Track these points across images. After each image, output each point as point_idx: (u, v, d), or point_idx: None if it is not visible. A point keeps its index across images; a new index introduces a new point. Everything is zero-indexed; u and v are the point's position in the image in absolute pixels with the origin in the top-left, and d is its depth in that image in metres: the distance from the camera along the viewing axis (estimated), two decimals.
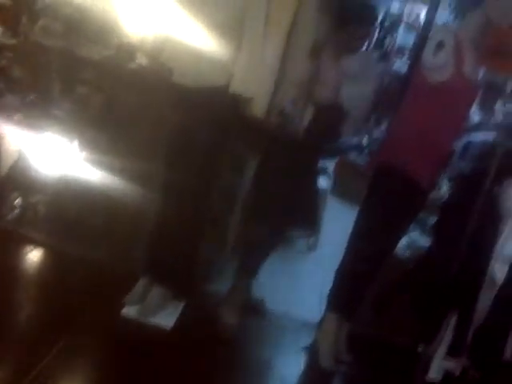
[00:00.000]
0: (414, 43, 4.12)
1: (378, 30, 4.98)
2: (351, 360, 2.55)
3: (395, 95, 3.07)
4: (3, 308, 2.35)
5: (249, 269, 2.68)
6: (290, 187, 2.54)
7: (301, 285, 3.20)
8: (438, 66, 2.38)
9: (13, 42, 3.32)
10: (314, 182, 3.00)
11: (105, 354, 2.27)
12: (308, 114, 2.53)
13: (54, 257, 2.89)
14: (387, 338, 2.74)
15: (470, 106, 2.62)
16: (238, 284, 2.67)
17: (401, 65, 4.38)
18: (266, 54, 2.45)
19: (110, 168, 2.88)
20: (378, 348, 2.75)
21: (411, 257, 2.79)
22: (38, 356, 2.08)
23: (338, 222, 3.39)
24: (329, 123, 2.57)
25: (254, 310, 2.79)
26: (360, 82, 2.66)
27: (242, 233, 3.00)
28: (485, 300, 2.27)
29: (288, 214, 2.62)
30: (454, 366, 2.31)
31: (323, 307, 2.66)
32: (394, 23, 4.77)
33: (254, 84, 2.41)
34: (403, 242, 2.82)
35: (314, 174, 2.97)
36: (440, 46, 2.39)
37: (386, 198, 2.44)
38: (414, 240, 2.86)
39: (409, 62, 3.78)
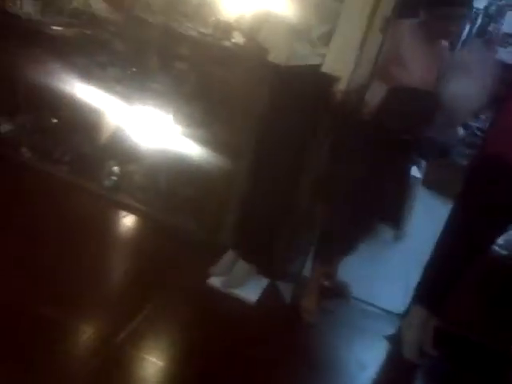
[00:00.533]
0: None
1: (481, 16, 4.75)
2: (437, 355, 2.47)
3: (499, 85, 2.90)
4: (98, 268, 2.50)
5: (328, 257, 2.67)
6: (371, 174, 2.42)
7: (386, 274, 3.14)
8: None
9: (116, 16, 3.44)
10: (401, 172, 2.74)
11: (190, 320, 2.34)
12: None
13: (146, 223, 3.01)
14: (479, 337, 2.62)
15: None
16: (319, 270, 2.65)
17: (506, 55, 4.13)
18: (355, 35, 2.41)
19: (203, 141, 2.93)
20: (468, 347, 2.64)
21: (510, 256, 2.63)
22: (129, 316, 2.19)
23: (426, 213, 3.30)
24: (406, 108, 2.39)
25: (337, 295, 2.78)
26: (459, 73, 2.52)
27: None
28: None
29: (371, 206, 2.52)
30: None
31: (408, 298, 2.60)
32: (501, 9, 4.50)
33: (344, 65, 2.39)
34: (501, 239, 2.67)
35: (401, 163, 2.71)
36: None
37: (488, 193, 2.31)
38: None
39: None
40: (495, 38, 4.84)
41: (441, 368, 2.49)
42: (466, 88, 2.32)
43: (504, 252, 2.65)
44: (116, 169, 3.23)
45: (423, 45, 2.42)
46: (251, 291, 2.59)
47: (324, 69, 2.39)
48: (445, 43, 2.53)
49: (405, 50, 2.40)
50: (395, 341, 2.52)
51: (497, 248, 2.64)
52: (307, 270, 2.73)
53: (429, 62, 2.42)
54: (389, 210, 2.74)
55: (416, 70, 2.39)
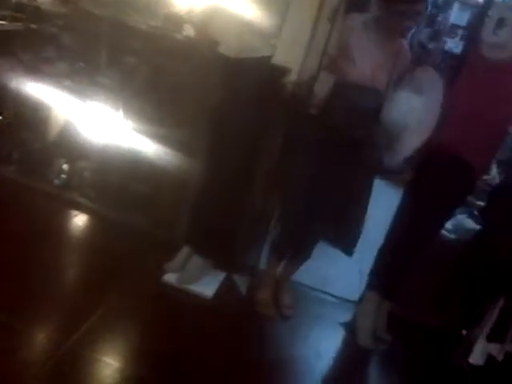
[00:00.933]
0: (469, 22, 3.96)
1: (429, 7, 4.85)
2: (391, 339, 2.53)
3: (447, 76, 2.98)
4: (49, 269, 2.42)
5: (282, 250, 2.65)
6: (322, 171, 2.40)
7: (340, 262, 3.17)
8: (499, 44, 2.29)
9: (63, 10, 3.35)
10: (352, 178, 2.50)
11: (146, 319, 2.31)
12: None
13: (98, 221, 2.95)
14: (430, 320, 2.70)
15: None
16: (274, 263, 2.66)
17: (453, 45, 4.23)
18: (304, 25, 2.43)
19: (154, 136, 2.89)
20: (420, 330, 2.71)
21: (458, 240, 2.72)
22: (81, 317, 2.14)
23: (378, 201, 3.33)
24: (350, 105, 2.31)
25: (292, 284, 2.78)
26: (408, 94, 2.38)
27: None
28: None
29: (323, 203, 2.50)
30: (496, 350, 2.26)
31: (362, 285, 2.64)
32: (448, 0, 4.61)
33: (294, 56, 2.40)
34: (450, 224, 2.75)
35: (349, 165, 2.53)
36: (501, 23, 2.30)
37: (436, 180, 2.37)
38: (461, 223, 2.79)
39: (462, 41, 3.64)
40: (443, 28, 4.96)
41: (395, 352, 2.55)
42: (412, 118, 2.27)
43: (452, 236, 2.74)
44: (66, 166, 3.15)
45: (376, 41, 2.34)
46: (207, 286, 2.58)
47: (274, 60, 2.39)
48: (401, 41, 2.42)
49: (354, 45, 2.33)
50: (350, 328, 2.56)
51: (446, 233, 2.72)
52: (264, 263, 2.74)
53: (380, 59, 2.34)
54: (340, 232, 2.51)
55: (365, 67, 2.32)
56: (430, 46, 4.71)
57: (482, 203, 2.84)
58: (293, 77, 2.52)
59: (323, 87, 2.37)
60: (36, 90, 3.10)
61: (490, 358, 2.30)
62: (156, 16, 3.28)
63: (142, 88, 3.16)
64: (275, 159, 2.70)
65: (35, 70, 3.19)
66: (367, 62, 2.33)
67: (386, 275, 2.51)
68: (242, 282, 2.72)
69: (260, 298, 2.58)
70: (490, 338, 2.28)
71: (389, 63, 2.36)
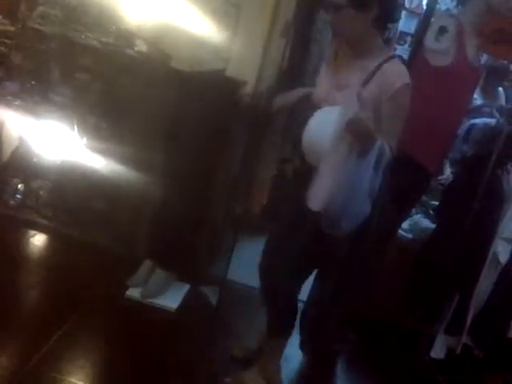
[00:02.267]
0: (416, 29, 4.11)
1: None
2: (355, 338, 2.57)
3: None
4: (8, 291, 2.37)
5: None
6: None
7: None
8: (441, 50, 2.39)
9: (11, 28, 3.30)
10: None
11: (110, 335, 2.28)
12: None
13: (57, 241, 2.90)
14: (391, 317, 2.76)
15: (472, 89, 2.63)
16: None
17: (403, 52, 4.39)
18: (257, 38, 2.48)
19: (110, 154, 2.87)
20: (382, 327, 2.77)
21: (414, 239, 2.80)
22: (43, 338, 2.10)
23: None
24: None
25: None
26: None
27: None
28: (488, 280, 2.29)
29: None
30: (454, 343, 2.34)
31: None
32: None
33: (248, 68, 2.44)
34: (406, 224, 2.83)
35: None
36: (442, 30, 2.41)
37: (391, 182, 2.44)
38: (417, 223, 2.87)
39: (410, 48, 3.78)
40: (393, 36, 5.13)
41: (360, 351, 2.60)
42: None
43: (409, 236, 2.82)
44: (21, 186, 3.09)
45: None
46: (171, 299, 2.57)
47: (228, 73, 2.42)
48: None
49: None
50: None
51: (403, 232, 2.80)
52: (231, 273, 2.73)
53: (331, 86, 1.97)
54: None
55: (320, 89, 2.02)
56: None
57: (436, 203, 2.95)
58: (249, 89, 2.56)
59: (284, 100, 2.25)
60: None
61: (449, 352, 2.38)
62: (107, 32, 3.27)
63: (96, 105, 3.14)
64: (236, 170, 2.73)
65: None
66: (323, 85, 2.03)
67: None
68: (210, 293, 2.72)
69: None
70: (448, 332, 2.35)
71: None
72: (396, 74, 1.82)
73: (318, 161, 1.82)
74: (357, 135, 1.70)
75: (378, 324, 2.75)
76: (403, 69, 1.87)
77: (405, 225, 2.81)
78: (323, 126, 1.82)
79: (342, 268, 2.16)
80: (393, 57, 1.90)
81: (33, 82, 3.23)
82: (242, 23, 2.46)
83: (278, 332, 2.18)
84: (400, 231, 2.76)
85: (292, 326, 2.19)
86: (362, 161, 1.73)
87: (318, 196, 1.80)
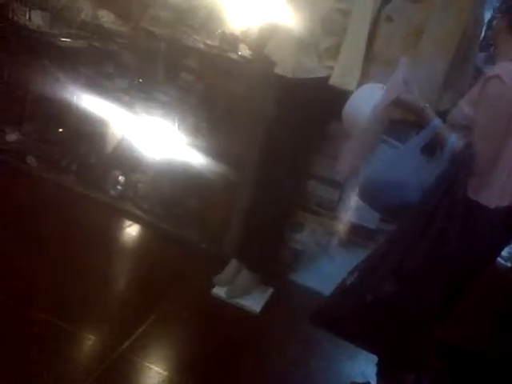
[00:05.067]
0: None
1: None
2: (439, 366, 2.44)
3: None
4: (103, 276, 2.51)
5: None
6: None
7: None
8: None
9: (124, 28, 3.48)
10: None
11: (194, 329, 2.34)
12: None
13: (150, 232, 3.02)
14: (486, 348, 2.61)
15: None
16: None
17: None
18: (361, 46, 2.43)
19: (208, 152, 2.95)
20: (475, 358, 2.62)
21: None
22: (133, 326, 2.20)
23: None
24: None
25: None
26: None
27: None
28: None
29: None
30: None
31: None
32: None
33: (352, 77, 2.40)
34: (505, 252, 2.67)
35: None
36: None
37: None
38: None
39: None
40: None
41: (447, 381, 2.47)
42: None
43: (508, 264, 2.65)
44: (121, 178, 3.26)
45: None
46: (255, 301, 2.59)
47: (331, 82, 2.40)
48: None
49: None
50: None
51: (501, 261, 2.64)
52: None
53: None
54: None
55: None
56: (486, 69, 4.66)
57: None
58: None
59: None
60: (96, 104, 3.22)
61: None
62: (213, 35, 3.37)
63: (197, 104, 3.24)
64: None
65: (96, 85, 3.32)
66: None
67: None
68: (291, 299, 2.72)
69: None
70: None
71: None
72: (492, 69, 1.72)
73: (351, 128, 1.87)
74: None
75: (469, 353, 2.60)
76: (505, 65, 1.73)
77: (504, 252, 2.65)
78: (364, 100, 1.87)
79: None
80: None
81: (140, 80, 3.40)
82: (350, 31, 2.43)
83: None
84: (498, 259, 2.60)
85: None
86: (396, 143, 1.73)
87: (345, 162, 1.86)
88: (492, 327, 2.49)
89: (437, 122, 1.71)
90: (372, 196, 1.82)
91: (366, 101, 1.87)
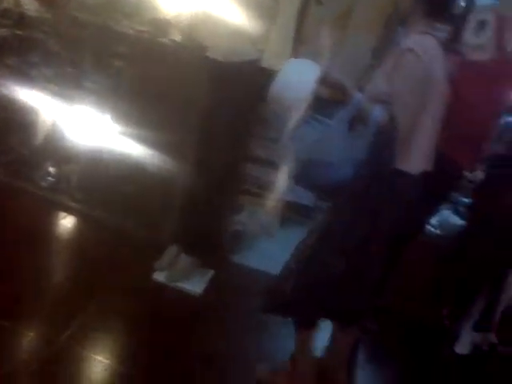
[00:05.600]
0: (452, 23, 4.05)
1: None
2: (377, 329, 2.53)
3: None
4: (39, 270, 2.44)
5: None
6: None
7: None
8: (480, 45, 2.35)
9: (48, 15, 3.36)
10: None
11: (136, 316, 2.31)
12: None
13: (86, 223, 2.96)
14: (416, 311, 2.73)
15: (510, 85, 2.57)
16: None
17: None
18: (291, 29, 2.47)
19: (141, 139, 2.90)
20: (407, 321, 2.74)
21: (442, 235, 2.76)
22: (71, 316, 2.16)
23: None
24: None
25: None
26: None
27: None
28: None
29: None
30: (481, 340, 2.30)
31: None
32: None
33: (284, 59, 2.43)
34: (435, 220, 2.79)
35: None
36: (482, 25, 2.36)
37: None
38: (445, 219, 2.83)
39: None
40: None
41: (383, 344, 2.57)
42: None
43: (438, 231, 2.78)
44: (53, 169, 3.16)
45: None
46: (196, 283, 2.59)
47: (263, 64, 2.42)
48: None
49: None
50: None
51: (431, 228, 2.76)
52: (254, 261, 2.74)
53: None
54: None
55: None
56: None
57: (465, 200, 2.90)
58: None
59: None
60: (23, 94, 3.10)
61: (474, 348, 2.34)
62: (143, 21, 3.31)
63: (129, 92, 3.18)
64: None
65: (22, 75, 3.19)
66: None
67: None
68: (232, 279, 2.74)
69: None
70: (476, 328, 2.32)
71: None
72: (405, 43, 1.80)
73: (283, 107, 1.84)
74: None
75: (400, 317, 2.72)
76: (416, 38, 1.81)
77: (433, 220, 2.78)
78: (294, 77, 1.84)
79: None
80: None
81: (68, 69, 3.30)
82: (280, 15, 2.45)
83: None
84: (428, 226, 2.72)
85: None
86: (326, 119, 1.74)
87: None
88: (423, 293, 2.61)
89: (359, 97, 1.74)
90: (303, 177, 1.81)
91: (296, 77, 1.86)
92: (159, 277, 2.57)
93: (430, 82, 1.77)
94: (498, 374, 2.36)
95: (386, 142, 1.71)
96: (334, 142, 1.72)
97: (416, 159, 1.83)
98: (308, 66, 1.85)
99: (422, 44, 1.75)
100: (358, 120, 1.73)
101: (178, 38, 3.24)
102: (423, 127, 1.80)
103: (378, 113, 1.70)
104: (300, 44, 2.58)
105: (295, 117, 1.84)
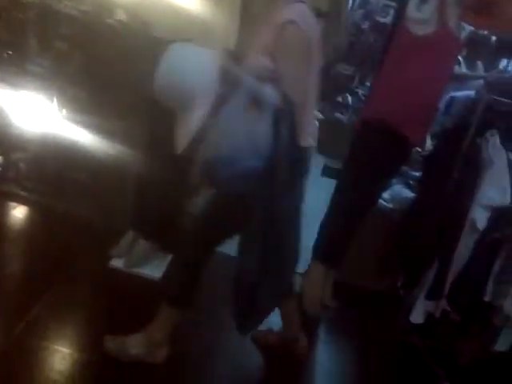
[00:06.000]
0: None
1: None
2: (337, 306, 2.62)
3: (378, 53, 3.08)
4: None
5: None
6: None
7: None
8: (423, 19, 2.37)
9: None
10: None
11: (94, 305, 2.29)
12: None
13: (38, 213, 2.88)
14: (372, 285, 2.82)
15: (454, 60, 2.64)
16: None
17: (385, 22, 4.40)
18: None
19: (90, 125, 2.83)
20: (363, 294, 2.83)
21: (394, 208, 2.84)
22: (26, 307, 2.11)
23: (317, 177, 3.44)
24: None
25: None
26: None
27: None
28: (466, 245, 2.33)
29: None
30: (433, 307, 2.40)
31: (307, 259, 2.71)
32: None
33: (230, 39, 2.42)
34: (387, 194, 2.87)
35: None
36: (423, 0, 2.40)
37: (372, 153, 2.46)
38: (398, 193, 2.91)
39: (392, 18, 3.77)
40: (375, 8, 5.11)
41: (341, 317, 2.65)
42: None
43: (390, 205, 2.86)
44: (0, 158, 3.05)
45: None
46: (155, 268, 2.57)
47: (210, 41, 2.40)
48: None
49: None
50: (299, 298, 2.62)
51: (383, 202, 2.84)
52: None
53: None
54: None
55: None
56: (364, 25, 4.88)
57: (416, 173, 2.99)
58: None
59: None
60: None
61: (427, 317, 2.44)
62: (87, 1, 3.20)
63: (75, 75, 3.08)
64: None
65: None
66: None
67: (330, 246, 2.60)
68: None
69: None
70: (428, 297, 2.41)
71: None
72: (281, 14, 1.72)
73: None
74: None
75: (357, 290, 2.80)
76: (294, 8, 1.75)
77: (385, 195, 2.85)
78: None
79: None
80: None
81: (10, 52, 3.16)
82: None
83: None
84: (381, 200, 2.79)
85: None
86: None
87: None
88: (378, 264, 2.69)
89: (247, 80, 1.66)
90: (213, 172, 1.67)
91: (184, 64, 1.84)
92: (117, 263, 2.54)
93: (311, 52, 1.74)
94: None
95: (285, 121, 1.63)
96: (234, 134, 1.63)
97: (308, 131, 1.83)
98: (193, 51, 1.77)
99: (301, 14, 1.70)
100: (252, 104, 1.63)
101: (123, 17, 3.17)
102: (311, 98, 1.80)
103: (270, 93, 1.62)
104: (247, 24, 2.54)
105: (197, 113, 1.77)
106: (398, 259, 2.63)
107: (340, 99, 5.01)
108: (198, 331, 2.31)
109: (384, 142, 2.45)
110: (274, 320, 2.24)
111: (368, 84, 4.81)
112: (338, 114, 4.85)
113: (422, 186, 2.76)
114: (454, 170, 2.44)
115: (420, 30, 2.38)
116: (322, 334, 2.57)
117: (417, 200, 2.74)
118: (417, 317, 2.44)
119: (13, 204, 2.87)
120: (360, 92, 4.93)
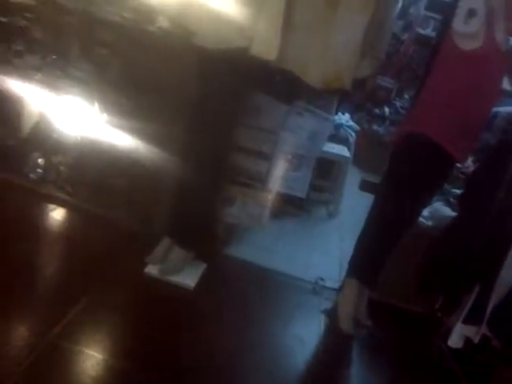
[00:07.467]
0: (444, 12, 4.03)
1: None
2: (371, 325, 2.57)
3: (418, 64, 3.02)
4: (28, 264, 2.40)
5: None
6: None
7: (321, 250, 3.21)
8: (470, 33, 2.32)
9: (32, 2, 3.28)
10: None
11: (129, 311, 2.30)
12: None
13: (76, 216, 2.92)
14: (409, 306, 2.76)
15: (500, 75, 2.56)
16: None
17: (426, 34, 4.32)
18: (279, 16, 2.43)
19: (130, 130, 2.86)
20: (399, 315, 2.77)
21: (434, 227, 2.77)
22: (63, 310, 2.13)
23: (356, 189, 3.41)
24: None
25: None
26: None
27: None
28: (510, 270, 2.25)
29: None
30: (473, 333, 2.32)
31: (342, 273, 2.68)
32: None
33: (272, 47, 2.41)
34: (426, 211, 2.80)
35: None
36: (471, 13, 2.34)
37: (413, 167, 2.41)
38: (437, 210, 2.84)
39: (435, 31, 3.70)
40: (416, 20, 5.04)
41: (376, 337, 2.60)
42: None
43: (429, 223, 2.78)
44: (41, 161, 3.11)
45: None
46: (189, 276, 2.58)
47: (251, 52, 2.39)
48: None
49: None
50: (332, 315, 2.59)
51: (423, 220, 2.76)
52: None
53: None
54: None
55: None
56: (403, 36, 4.82)
57: (457, 191, 2.91)
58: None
59: None
60: (8, 84, 3.03)
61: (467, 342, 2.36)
62: (129, 7, 3.23)
63: (116, 80, 3.12)
64: None
65: (6, 63, 3.11)
66: None
67: (366, 262, 2.56)
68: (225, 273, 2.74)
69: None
70: (467, 321, 2.33)
71: None
72: None
73: None
74: None
75: (393, 310, 2.75)
76: None
77: (425, 212, 2.78)
78: None
79: None
80: None
81: (53, 57, 3.22)
82: (268, 1, 2.42)
83: None
84: (420, 218, 2.73)
85: None
86: None
87: None
88: (416, 284, 2.62)
89: None
90: None
91: None
92: (152, 270, 2.55)
93: None
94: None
95: None
96: None
97: None
98: None
99: None
100: None
101: (165, 24, 3.19)
102: None
103: None
104: (290, 30, 2.53)
105: None
106: (436, 280, 2.56)
107: (377, 111, 4.96)
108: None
109: (426, 157, 2.40)
110: None
111: (406, 96, 4.74)
112: (375, 126, 4.80)
113: (464, 205, 2.68)
114: (498, 189, 2.37)
115: (467, 45, 2.32)
116: (355, 353, 2.52)
117: (458, 218, 2.66)
118: (455, 341, 2.36)
119: (52, 206, 2.92)
120: (398, 104, 4.86)
